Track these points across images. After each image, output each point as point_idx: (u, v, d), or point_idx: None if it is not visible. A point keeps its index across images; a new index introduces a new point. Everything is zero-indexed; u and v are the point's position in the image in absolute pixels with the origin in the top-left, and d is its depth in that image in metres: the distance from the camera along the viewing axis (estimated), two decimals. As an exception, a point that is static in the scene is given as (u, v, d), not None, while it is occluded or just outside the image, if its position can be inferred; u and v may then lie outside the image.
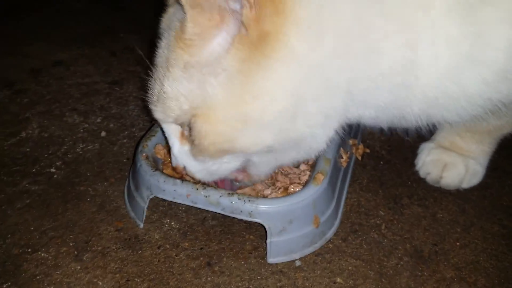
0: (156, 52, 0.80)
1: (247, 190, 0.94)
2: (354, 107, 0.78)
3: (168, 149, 0.98)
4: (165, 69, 0.74)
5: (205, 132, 0.73)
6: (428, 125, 0.85)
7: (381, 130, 0.91)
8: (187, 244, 0.89)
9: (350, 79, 0.72)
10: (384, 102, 0.76)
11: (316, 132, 0.77)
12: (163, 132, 0.87)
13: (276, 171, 0.98)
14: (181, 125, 0.79)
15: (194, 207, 0.89)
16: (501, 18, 0.67)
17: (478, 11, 0.66)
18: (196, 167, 0.84)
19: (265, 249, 0.86)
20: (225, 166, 0.83)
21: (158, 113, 0.78)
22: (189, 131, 0.77)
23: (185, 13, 0.66)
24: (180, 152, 0.84)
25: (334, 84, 0.72)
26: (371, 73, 0.71)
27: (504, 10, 0.66)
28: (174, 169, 0.88)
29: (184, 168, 0.85)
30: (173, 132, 0.83)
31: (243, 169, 0.88)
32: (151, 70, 0.80)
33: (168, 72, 0.73)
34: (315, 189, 0.86)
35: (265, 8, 0.63)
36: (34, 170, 1.06)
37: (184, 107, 0.73)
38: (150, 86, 0.79)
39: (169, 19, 0.79)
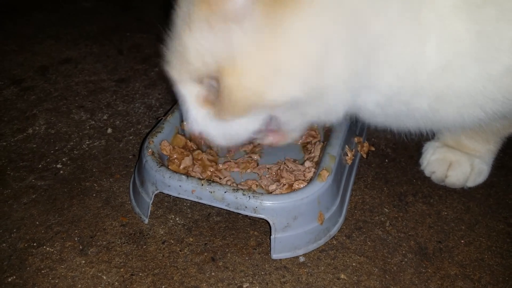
0: (175, 10, 0.76)
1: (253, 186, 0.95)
2: (365, 88, 0.77)
3: (174, 146, 0.99)
4: (186, 24, 0.71)
5: (231, 85, 0.70)
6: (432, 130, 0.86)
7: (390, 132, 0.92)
8: (191, 239, 0.89)
9: (370, 46, 0.71)
10: (391, 88, 0.75)
11: (339, 89, 0.75)
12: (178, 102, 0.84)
13: (281, 167, 0.98)
14: (202, 82, 0.76)
15: (199, 203, 0.89)
16: (504, 17, 0.67)
17: (483, 10, 0.67)
18: (216, 130, 0.81)
19: (269, 245, 0.86)
20: (247, 127, 0.80)
21: (176, 72, 0.77)
22: (210, 89, 0.75)
23: None
24: (198, 116, 0.81)
25: (357, 43, 0.70)
26: (384, 51, 0.71)
27: (508, 10, 0.67)
28: (189, 138, 0.85)
29: (201, 134, 0.83)
30: (190, 94, 0.80)
31: (275, 130, 0.85)
32: (169, 30, 0.77)
33: (189, 27, 0.71)
34: (320, 186, 0.86)
35: None
36: (40, 165, 1.07)
37: (207, 60, 0.71)
38: (167, 46, 0.77)
39: None
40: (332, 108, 0.79)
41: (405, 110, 0.80)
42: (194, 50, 0.72)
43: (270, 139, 0.87)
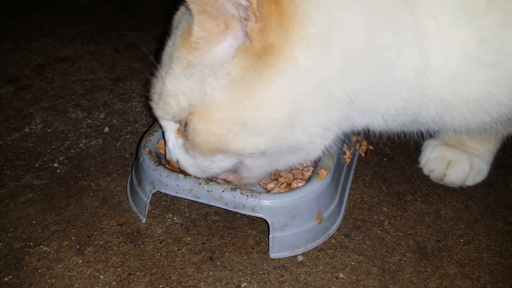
0: (163, 50, 0.81)
1: None
2: (360, 117, 0.78)
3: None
4: (168, 66, 0.75)
5: (199, 129, 0.74)
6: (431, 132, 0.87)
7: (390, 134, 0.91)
8: (189, 238, 0.89)
9: (356, 92, 0.72)
10: (396, 108, 0.76)
11: (313, 140, 0.78)
12: (162, 129, 0.88)
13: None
14: (179, 122, 0.80)
15: (196, 202, 0.89)
16: (507, 22, 0.67)
17: (484, 16, 0.68)
18: (188, 162, 0.84)
19: (268, 244, 0.85)
20: (216, 164, 0.83)
21: (158, 110, 0.80)
22: (184, 127, 0.78)
23: (193, 17, 0.67)
24: (174, 146, 0.85)
25: (336, 98, 0.72)
26: (381, 83, 0.72)
27: (509, 14, 0.67)
28: (168, 162, 0.89)
29: (177, 162, 0.86)
30: (170, 127, 0.84)
31: (235, 170, 0.88)
32: (156, 68, 0.81)
33: (170, 69, 0.74)
34: (318, 185, 0.85)
35: (270, 22, 0.64)
36: (37, 164, 1.06)
37: (182, 104, 0.74)
38: (153, 83, 0.81)
39: (179, 17, 0.80)
40: (309, 154, 0.82)
41: (413, 119, 0.80)
42: (171, 91, 0.75)
43: (229, 178, 0.90)
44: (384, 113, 0.77)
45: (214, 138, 0.74)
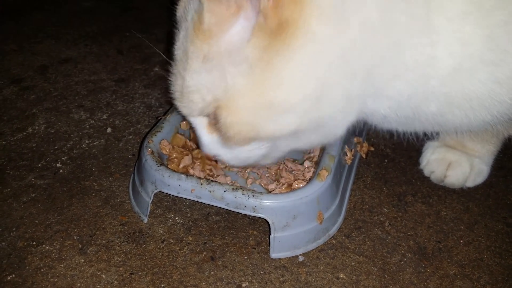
0: (175, 46, 0.79)
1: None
2: (372, 99, 0.78)
3: (173, 145, 0.99)
4: (185, 62, 0.73)
5: (230, 122, 0.72)
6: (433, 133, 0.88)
7: (389, 133, 0.92)
8: (190, 238, 0.90)
9: (372, 66, 0.72)
10: (402, 94, 0.76)
11: (337, 116, 0.77)
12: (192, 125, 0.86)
13: (281, 167, 0.98)
14: (208, 116, 0.79)
15: (198, 202, 0.89)
16: (511, 21, 0.68)
17: (491, 14, 0.68)
18: (227, 155, 0.84)
19: (269, 244, 0.86)
20: (255, 152, 0.82)
21: (184, 108, 0.79)
22: (214, 120, 0.76)
23: (202, 4, 0.66)
24: (210, 142, 0.84)
25: (356, 70, 0.71)
26: (392, 63, 0.72)
27: None
28: (207, 157, 0.89)
29: (215, 156, 0.86)
30: (200, 123, 0.83)
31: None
32: (170, 65, 0.80)
33: (187, 64, 0.72)
34: (319, 185, 0.86)
35: None
36: (40, 165, 1.07)
37: (207, 99, 0.73)
38: (172, 82, 0.79)
39: (184, 8, 0.78)
40: (332, 132, 0.81)
41: (414, 114, 0.80)
42: (193, 87, 0.74)
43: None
44: (391, 98, 0.77)
45: (246, 127, 0.73)
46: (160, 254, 0.86)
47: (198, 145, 1.03)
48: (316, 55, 0.68)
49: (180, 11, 0.80)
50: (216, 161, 1.00)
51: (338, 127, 0.80)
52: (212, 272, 0.83)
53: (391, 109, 0.80)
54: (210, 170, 0.98)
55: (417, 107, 0.78)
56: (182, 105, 0.78)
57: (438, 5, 0.68)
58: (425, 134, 0.91)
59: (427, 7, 0.68)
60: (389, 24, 0.69)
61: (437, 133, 1.03)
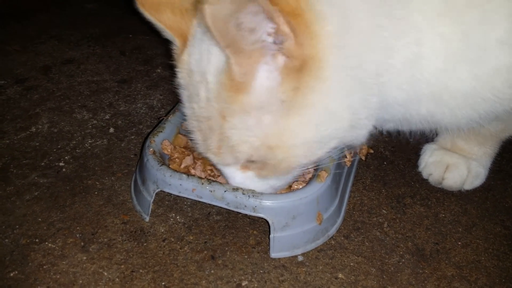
0: (189, 104, 0.81)
1: None
2: (380, 107, 0.80)
3: (175, 145, 1.00)
4: (222, 119, 0.74)
5: (281, 158, 0.76)
6: (430, 130, 0.91)
7: (389, 134, 0.94)
8: (191, 237, 0.91)
9: (376, 76, 0.74)
10: (397, 99, 0.79)
11: (363, 130, 0.80)
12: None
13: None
14: (253, 160, 0.80)
15: (199, 201, 0.90)
16: (487, 19, 0.71)
17: (465, 15, 0.71)
18: (262, 187, 0.86)
19: (268, 244, 0.87)
20: (289, 178, 0.87)
21: (225, 160, 0.81)
22: (259, 161, 0.79)
23: (229, 59, 0.66)
24: (245, 179, 0.85)
25: (369, 85, 0.74)
26: (386, 69, 0.74)
27: (490, 11, 0.71)
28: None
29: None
30: (233, 170, 0.85)
31: None
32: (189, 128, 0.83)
33: (227, 122, 0.73)
34: (319, 186, 0.87)
35: (300, 35, 0.64)
36: (43, 163, 1.08)
37: (256, 145, 0.75)
38: (198, 138, 0.82)
39: (190, 71, 0.79)
40: (359, 140, 0.83)
41: (409, 116, 0.83)
42: (239, 141, 0.75)
43: None
44: (389, 105, 0.80)
45: (298, 159, 0.77)
46: (161, 252, 0.87)
47: None
48: (342, 82, 0.71)
49: (183, 76, 0.82)
50: None
51: (362, 136, 0.82)
52: (212, 271, 0.84)
53: (390, 114, 0.83)
54: (211, 170, 0.99)
55: (410, 110, 0.81)
56: (222, 158, 0.80)
57: (416, 6, 0.71)
58: (423, 133, 0.94)
59: (407, 8, 0.71)
60: (377, 29, 0.71)
61: (436, 134, 1.04)
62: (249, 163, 0.81)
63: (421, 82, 0.75)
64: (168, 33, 0.84)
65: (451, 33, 0.71)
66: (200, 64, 0.76)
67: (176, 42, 0.83)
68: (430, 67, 0.74)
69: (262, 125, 0.73)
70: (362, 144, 1.06)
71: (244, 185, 0.86)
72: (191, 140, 0.85)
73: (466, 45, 0.72)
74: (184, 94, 0.83)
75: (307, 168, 0.87)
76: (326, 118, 0.73)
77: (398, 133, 0.95)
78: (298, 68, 0.67)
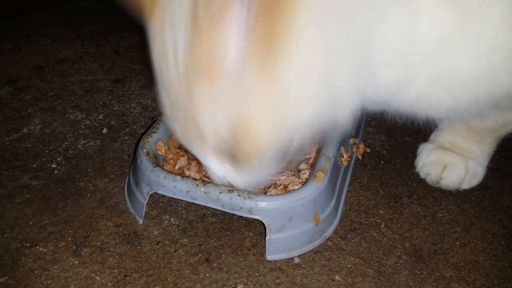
0: (163, 91, 0.78)
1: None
2: (364, 85, 0.76)
3: (169, 146, 0.98)
4: (190, 102, 0.71)
5: (249, 147, 0.71)
6: (426, 120, 0.89)
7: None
8: (186, 240, 0.89)
9: (363, 50, 0.70)
10: (383, 80, 0.75)
11: (343, 112, 0.75)
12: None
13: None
14: (220, 146, 0.76)
15: (193, 203, 0.89)
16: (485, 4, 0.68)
17: None
18: (243, 181, 0.83)
19: (264, 246, 0.86)
20: (271, 170, 0.82)
21: (194, 146, 0.78)
22: (230, 150, 0.74)
23: (193, 44, 0.64)
24: (223, 173, 0.81)
25: (356, 46, 0.69)
26: (377, 42, 0.70)
27: None
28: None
29: (230, 183, 0.84)
30: (209, 158, 0.80)
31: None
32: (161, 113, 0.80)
33: (194, 105, 0.70)
34: (315, 187, 0.86)
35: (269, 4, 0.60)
36: (35, 165, 1.06)
37: (221, 132, 0.71)
38: (176, 126, 0.78)
39: (162, 50, 0.75)
40: (339, 126, 0.78)
41: (399, 99, 0.80)
42: (205, 125, 0.71)
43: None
44: (377, 84, 0.76)
45: (267, 150, 0.72)
46: (155, 255, 0.86)
47: None
48: (316, 54, 0.65)
49: (156, 57, 0.78)
50: None
51: (344, 118, 0.76)
52: (207, 274, 0.83)
53: (377, 94, 0.79)
54: (206, 171, 0.97)
55: (394, 96, 0.78)
56: (196, 145, 0.77)
57: None
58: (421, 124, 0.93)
59: None
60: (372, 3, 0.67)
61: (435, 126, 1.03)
62: (225, 156, 0.77)
63: (415, 54, 0.71)
64: None
65: (449, 9, 0.68)
66: (166, 44, 0.72)
67: None
68: (427, 41, 0.70)
69: (227, 109, 0.68)
70: (354, 139, 1.06)
71: (224, 179, 0.83)
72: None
73: (465, 21, 0.69)
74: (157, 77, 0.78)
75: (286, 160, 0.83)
76: (301, 99, 0.67)
77: (384, 116, 0.93)
78: (266, 39, 0.62)
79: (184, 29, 0.67)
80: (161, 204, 0.97)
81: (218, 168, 0.81)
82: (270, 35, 0.62)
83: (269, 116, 0.68)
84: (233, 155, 0.75)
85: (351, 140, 1.06)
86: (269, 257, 0.86)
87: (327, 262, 0.86)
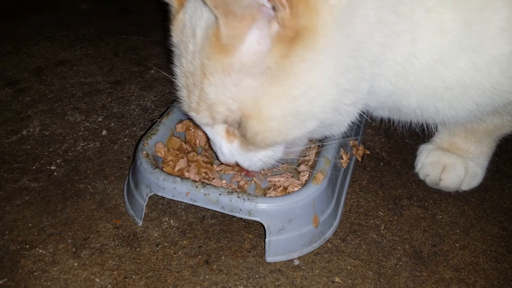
0: (178, 61, 0.80)
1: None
2: (368, 94, 0.80)
3: (168, 148, 0.98)
4: (202, 76, 0.73)
5: (257, 129, 0.74)
6: (424, 124, 0.91)
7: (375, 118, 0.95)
8: (185, 242, 0.89)
9: (370, 66, 0.74)
10: (384, 90, 0.79)
11: (343, 121, 0.80)
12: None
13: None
14: (229, 123, 0.80)
15: (193, 205, 0.89)
16: (488, 5, 0.70)
17: (466, 0, 0.71)
18: (249, 161, 0.85)
19: (264, 248, 0.85)
20: (276, 153, 0.85)
21: (203, 119, 0.79)
22: (237, 128, 0.78)
23: (218, 19, 0.66)
24: (231, 151, 0.85)
25: (363, 72, 0.74)
26: (380, 61, 0.74)
27: None
28: (226, 165, 0.92)
29: (237, 163, 0.87)
30: (217, 131, 0.84)
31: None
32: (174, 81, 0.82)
33: (207, 79, 0.73)
34: (315, 188, 0.86)
35: (297, 6, 0.64)
36: (34, 167, 1.06)
37: (233, 108, 0.74)
38: (183, 95, 0.81)
39: (182, 30, 0.79)
40: (337, 130, 0.83)
41: (398, 107, 0.84)
42: (217, 99, 0.74)
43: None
44: (377, 94, 0.80)
45: (273, 134, 0.75)
46: (155, 257, 0.86)
47: (193, 148, 1.03)
48: (335, 59, 0.70)
49: (176, 33, 0.81)
50: (211, 164, 1.01)
51: (343, 125, 0.82)
52: (207, 276, 0.83)
53: (379, 102, 0.84)
54: (206, 173, 0.97)
55: (398, 101, 0.82)
56: (202, 116, 0.79)
57: (419, 1, 0.70)
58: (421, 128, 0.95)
59: (411, 2, 0.70)
60: (381, 25, 0.71)
61: (434, 130, 1.04)
62: (232, 131, 0.81)
63: (411, 75, 0.75)
64: None
65: (451, 21, 0.71)
66: (192, 19, 0.76)
67: (173, 2, 0.82)
68: (424, 61, 0.74)
69: (240, 88, 0.72)
70: (354, 141, 1.06)
71: (231, 157, 0.85)
72: (178, 99, 0.84)
73: (466, 33, 0.71)
74: (176, 53, 0.82)
75: (289, 151, 0.87)
76: (310, 92, 0.71)
77: (390, 122, 0.95)
78: (291, 38, 0.67)
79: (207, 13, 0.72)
80: (161, 206, 0.97)
81: (226, 145, 0.84)
82: (300, 32, 0.67)
83: (282, 105, 0.72)
84: (241, 134, 0.78)
85: (351, 142, 1.06)
86: (269, 259, 0.85)
87: (327, 264, 0.86)
